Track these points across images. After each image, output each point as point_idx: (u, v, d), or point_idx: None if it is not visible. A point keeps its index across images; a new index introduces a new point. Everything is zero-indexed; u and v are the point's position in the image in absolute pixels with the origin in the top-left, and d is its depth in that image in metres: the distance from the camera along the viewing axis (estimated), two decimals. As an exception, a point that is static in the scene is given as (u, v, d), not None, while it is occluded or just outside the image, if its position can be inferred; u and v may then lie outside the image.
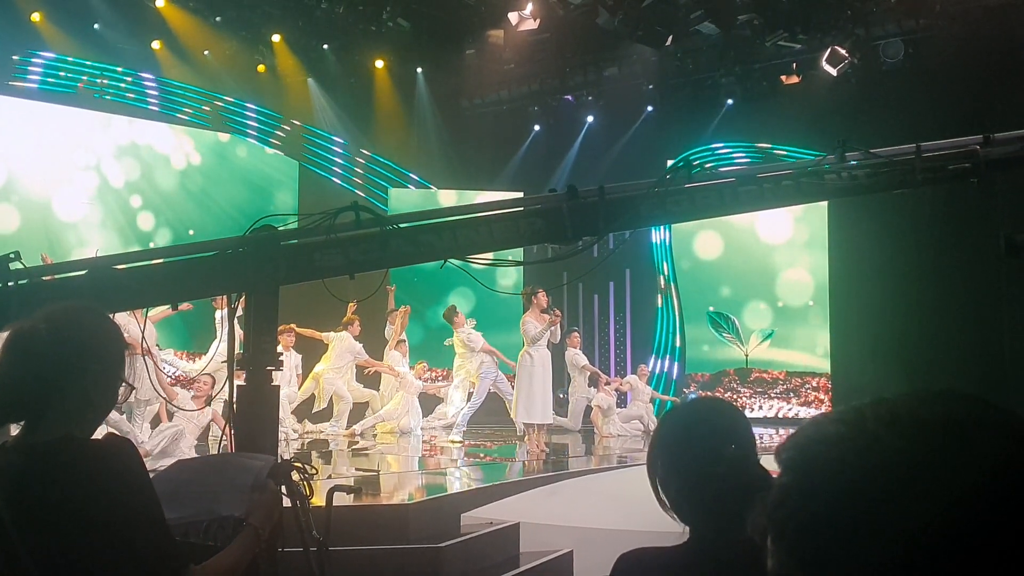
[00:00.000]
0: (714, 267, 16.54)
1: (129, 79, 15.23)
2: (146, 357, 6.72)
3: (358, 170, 17.77)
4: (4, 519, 2.06)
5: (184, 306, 4.88)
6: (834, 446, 0.72)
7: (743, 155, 15.95)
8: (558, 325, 11.94)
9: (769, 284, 16.23)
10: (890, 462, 0.69)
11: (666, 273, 16.81)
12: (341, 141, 17.51)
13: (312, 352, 13.24)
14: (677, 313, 16.71)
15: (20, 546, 2.02)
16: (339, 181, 17.48)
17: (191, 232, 15.36)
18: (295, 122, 17.17)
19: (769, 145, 15.62)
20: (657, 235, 16.78)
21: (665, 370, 16.70)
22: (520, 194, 11.71)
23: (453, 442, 12.47)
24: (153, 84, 15.49)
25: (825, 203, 14.72)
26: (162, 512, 2.20)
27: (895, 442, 0.70)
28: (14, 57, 14.12)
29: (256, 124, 16.82)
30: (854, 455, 0.71)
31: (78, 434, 2.17)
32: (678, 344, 16.67)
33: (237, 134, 16.67)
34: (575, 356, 14.33)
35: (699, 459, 1.93)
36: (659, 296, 16.89)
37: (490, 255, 4.72)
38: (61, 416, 2.15)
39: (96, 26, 14.35)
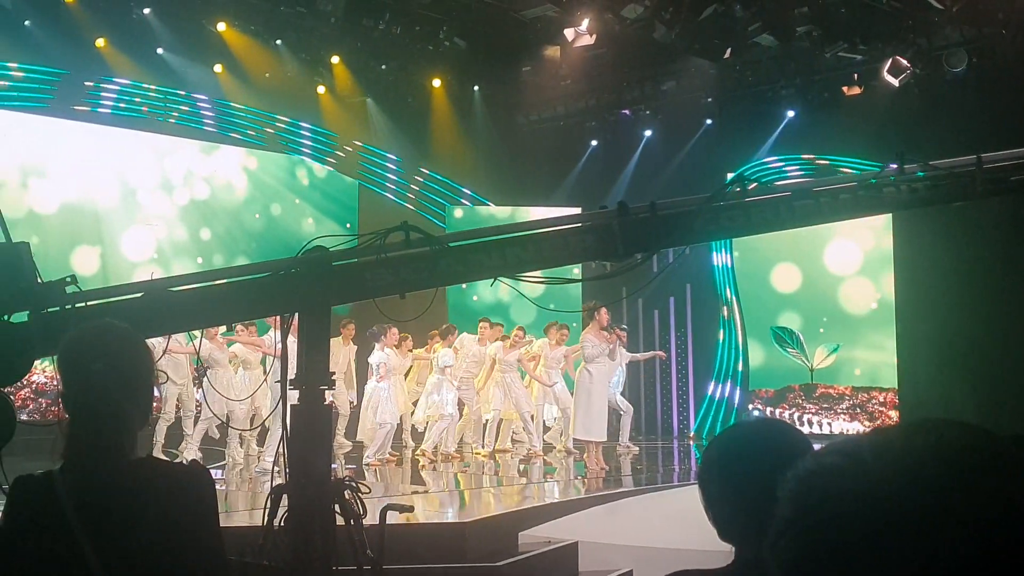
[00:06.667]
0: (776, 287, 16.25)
1: (191, 103, 15.54)
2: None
3: (416, 188, 17.90)
4: (80, 538, 2.05)
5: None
6: (831, 478, 0.71)
7: (797, 168, 15.70)
8: (615, 344, 11.88)
9: (833, 294, 15.92)
10: (882, 493, 0.68)
11: (728, 298, 16.58)
12: (399, 160, 17.66)
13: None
14: (740, 338, 16.45)
15: (94, 565, 2.03)
16: (397, 200, 17.63)
17: (252, 250, 15.62)
18: (355, 142, 17.35)
19: (813, 157, 15.37)
20: (719, 258, 16.58)
21: (727, 395, 16.47)
22: (578, 210, 11.66)
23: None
24: (215, 107, 15.79)
25: (890, 215, 14.45)
26: (223, 544, 2.26)
27: (887, 473, 0.69)
28: (87, 83, 14.48)
29: (316, 145, 17.05)
30: (849, 487, 0.70)
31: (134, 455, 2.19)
32: (740, 369, 16.42)
33: (298, 155, 16.91)
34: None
35: (748, 484, 1.89)
36: (720, 322, 16.65)
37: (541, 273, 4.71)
38: (127, 433, 2.14)
39: (159, 51, 14.67)
